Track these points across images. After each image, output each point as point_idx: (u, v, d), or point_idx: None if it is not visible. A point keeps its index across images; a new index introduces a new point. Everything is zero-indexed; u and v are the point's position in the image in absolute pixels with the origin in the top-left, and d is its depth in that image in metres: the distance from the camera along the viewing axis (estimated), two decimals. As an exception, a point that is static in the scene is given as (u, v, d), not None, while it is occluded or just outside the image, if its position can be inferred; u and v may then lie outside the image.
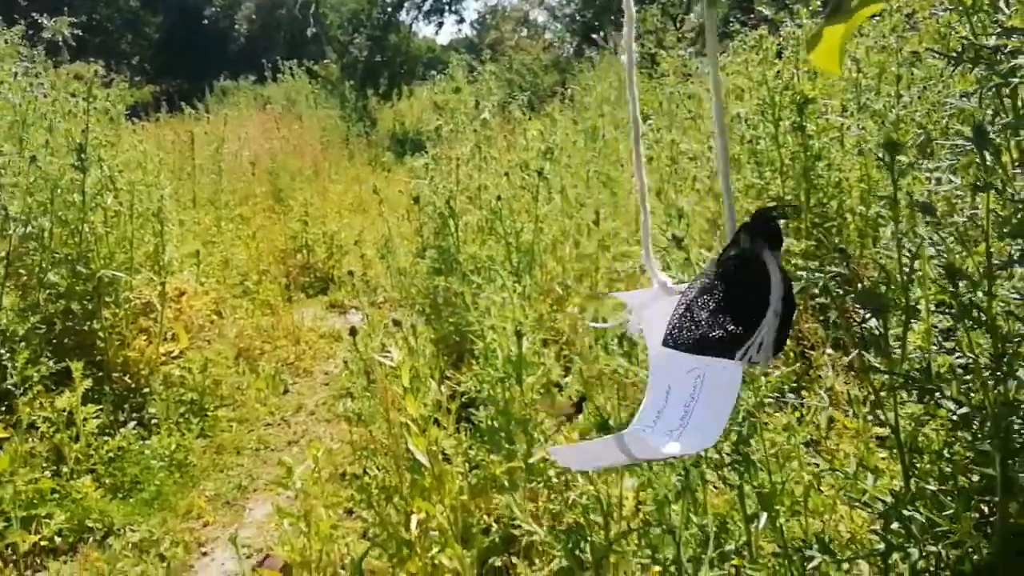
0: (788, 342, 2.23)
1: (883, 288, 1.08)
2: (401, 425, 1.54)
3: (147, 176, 3.08)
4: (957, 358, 0.94)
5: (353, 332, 1.47)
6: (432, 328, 2.69)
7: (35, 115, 2.81)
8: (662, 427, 0.32)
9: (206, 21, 18.35)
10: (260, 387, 3.05)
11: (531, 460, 1.61)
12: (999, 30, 0.92)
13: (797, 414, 1.23)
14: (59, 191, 2.68)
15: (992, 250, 0.79)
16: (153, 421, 2.68)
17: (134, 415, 2.68)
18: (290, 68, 9.38)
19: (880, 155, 0.96)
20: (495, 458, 1.68)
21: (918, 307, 1.02)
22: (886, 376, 0.99)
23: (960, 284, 0.89)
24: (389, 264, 3.16)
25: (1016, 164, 0.91)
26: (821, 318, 2.29)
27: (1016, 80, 0.90)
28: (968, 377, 0.89)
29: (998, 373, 0.82)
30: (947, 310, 0.94)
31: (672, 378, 0.33)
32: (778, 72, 2.53)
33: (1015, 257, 0.88)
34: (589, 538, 0.93)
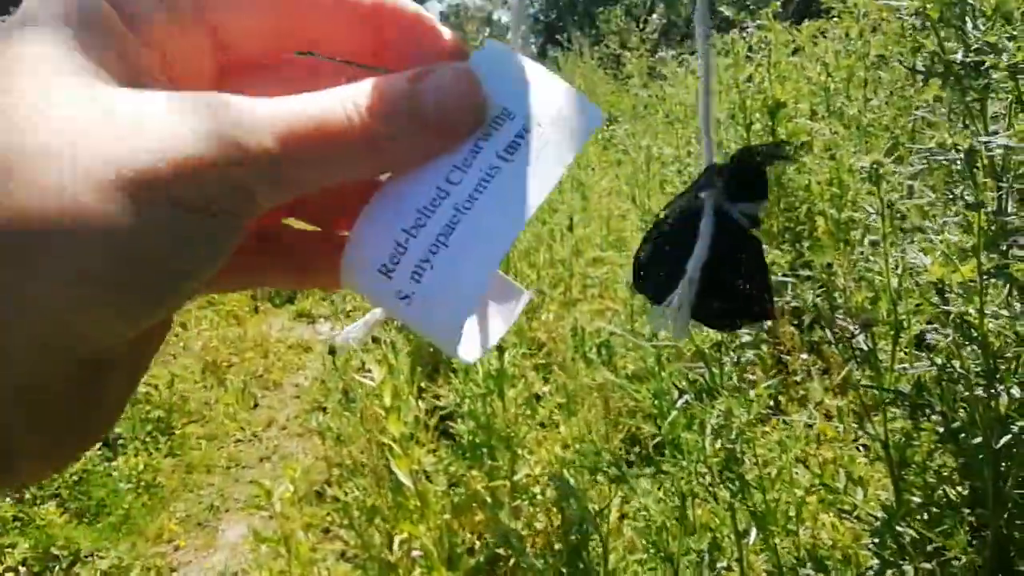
0: (765, 348, 2.24)
1: (870, 304, 1.09)
2: (381, 446, 1.51)
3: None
4: (942, 372, 0.94)
5: (332, 351, 1.44)
6: (407, 339, 2.65)
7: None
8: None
9: None
10: (229, 402, 2.98)
11: (515, 477, 1.59)
12: (977, 45, 0.92)
13: (786, 431, 1.23)
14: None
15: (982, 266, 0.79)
16: (119, 441, 2.60)
17: (99, 435, 2.59)
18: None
19: (863, 166, 0.96)
20: (477, 474, 1.65)
21: (904, 322, 1.02)
22: (875, 392, 0.99)
23: (950, 300, 0.89)
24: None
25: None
26: (795, 321, 2.30)
27: (991, 96, 0.90)
28: (959, 389, 0.89)
29: (991, 390, 0.82)
30: (936, 328, 0.94)
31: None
32: (750, 76, 2.54)
33: (993, 271, 0.88)
34: (593, 565, 0.92)
